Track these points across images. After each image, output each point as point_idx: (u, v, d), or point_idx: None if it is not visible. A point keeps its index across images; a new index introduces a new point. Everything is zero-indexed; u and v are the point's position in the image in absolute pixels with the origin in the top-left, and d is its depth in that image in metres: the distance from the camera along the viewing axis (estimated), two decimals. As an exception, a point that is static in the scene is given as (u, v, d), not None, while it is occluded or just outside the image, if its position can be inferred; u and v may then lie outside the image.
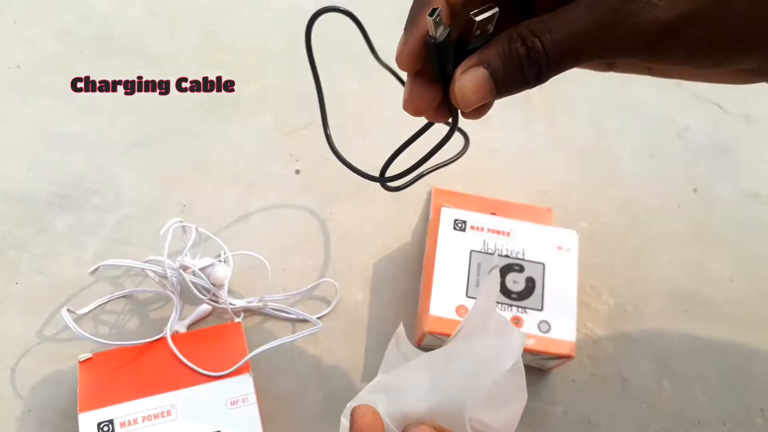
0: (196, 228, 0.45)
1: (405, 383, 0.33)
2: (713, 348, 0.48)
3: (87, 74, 0.55)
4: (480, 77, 0.27)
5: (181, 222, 0.44)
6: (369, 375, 0.44)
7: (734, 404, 0.46)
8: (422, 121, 0.33)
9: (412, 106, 0.30)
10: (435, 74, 0.29)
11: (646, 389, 0.46)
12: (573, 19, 0.25)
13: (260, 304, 0.46)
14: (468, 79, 0.27)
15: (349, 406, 0.33)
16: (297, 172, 0.52)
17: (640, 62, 0.28)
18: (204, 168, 0.52)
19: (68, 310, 0.42)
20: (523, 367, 0.32)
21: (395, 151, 0.34)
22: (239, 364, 0.40)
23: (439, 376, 0.33)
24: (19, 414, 0.42)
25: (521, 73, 0.26)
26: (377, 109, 0.56)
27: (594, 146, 0.56)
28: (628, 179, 0.54)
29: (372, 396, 0.33)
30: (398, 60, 0.29)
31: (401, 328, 0.36)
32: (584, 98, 0.57)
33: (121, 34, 0.57)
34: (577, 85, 0.58)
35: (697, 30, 0.25)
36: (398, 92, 0.57)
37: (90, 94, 0.54)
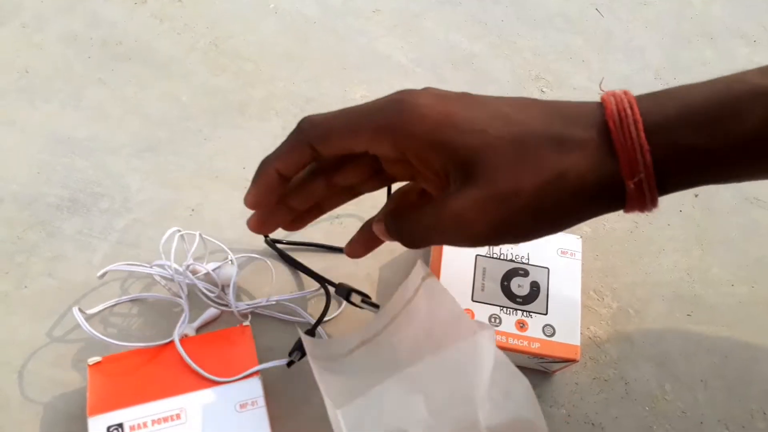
0: (200, 234, 0.45)
1: (400, 415, 0.32)
2: (715, 351, 0.49)
3: (95, 79, 0.55)
4: (379, 227, 0.36)
5: (179, 231, 0.44)
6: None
7: (736, 407, 0.47)
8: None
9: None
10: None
11: (648, 392, 0.47)
12: (427, 218, 0.32)
13: (268, 305, 0.46)
14: (375, 225, 0.37)
15: None
16: (303, 177, 0.53)
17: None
18: (212, 173, 0.52)
19: (79, 309, 0.42)
20: (503, 354, 0.33)
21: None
22: (248, 371, 0.40)
23: (432, 399, 0.32)
24: (27, 418, 0.42)
25: (396, 236, 0.35)
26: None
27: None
28: (631, 184, 0.55)
29: None
30: (245, 203, 0.36)
31: (306, 338, 0.38)
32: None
33: (128, 40, 0.58)
34: (578, 91, 0.59)
35: (517, 229, 0.31)
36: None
37: (98, 99, 0.54)
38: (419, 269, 0.39)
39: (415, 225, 0.33)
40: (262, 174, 0.34)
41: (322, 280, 0.45)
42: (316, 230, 0.50)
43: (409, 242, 0.34)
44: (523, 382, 0.32)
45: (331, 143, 0.32)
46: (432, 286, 0.38)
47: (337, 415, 0.32)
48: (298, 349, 0.42)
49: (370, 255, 0.49)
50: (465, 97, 0.31)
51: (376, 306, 0.42)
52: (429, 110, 0.30)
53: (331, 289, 0.45)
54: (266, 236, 0.47)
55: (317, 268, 0.46)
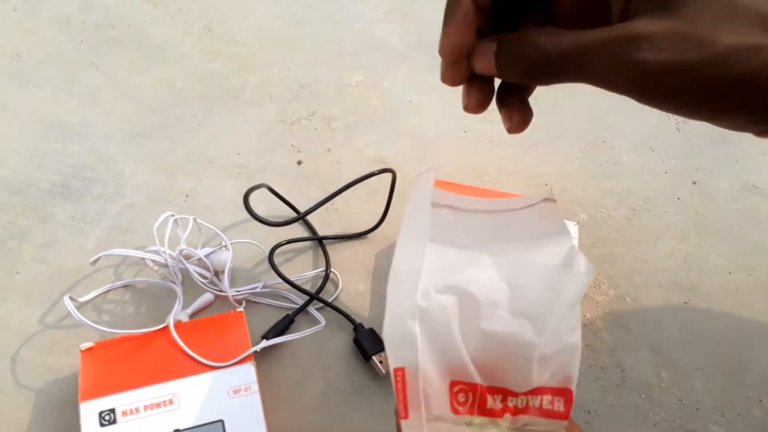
0: (194, 219, 0.45)
1: (478, 288, 0.30)
2: (712, 339, 0.48)
3: (88, 64, 0.55)
4: (488, 48, 0.31)
5: (173, 215, 0.44)
6: (369, 364, 0.44)
7: (732, 395, 0.47)
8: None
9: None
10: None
11: (644, 380, 0.47)
12: (584, 36, 0.28)
13: (263, 291, 0.46)
14: (480, 46, 0.31)
15: (409, 306, 0.28)
16: (299, 162, 0.52)
17: (638, 100, 0.30)
18: (206, 158, 0.52)
19: (70, 297, 0.42)
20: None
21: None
22: (243, 356, 0.40)
23: (513, 297, 0.31)
24: (20, 404, 0.42)
25: (517, 62, 0.30)
26: (379, 100, 0.56)
27: (594, 139, 0.56)
28: (628, 172, 0.55)
29: (444, 298, 0.29)
30: (441, 52, 0.32)
31: (426, 176, 0.33)
32: (585, 91, 0.57)
33: (122, 24, 0.57)
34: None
35: (692, 80, 0.28)
36: (401, 84, 0.58)
37: (91, 84, 0.54)
38: (545, 192, 0.37)
39: (559, 41, 0.28)
40: (454, 5, 0.31)
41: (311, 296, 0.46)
42: (314, 219, 0.50)
43: (528, 65, 0.30)
44: (579, 341, 0.32)
45: None
46: (550, 209, 0.36)
47: (422, 247, 0.31)
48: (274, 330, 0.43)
49: (364, 243, 0.49)
50: None
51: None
52: None
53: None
54: (271, 258, 0.45)
55: (314, 256, 0.46)
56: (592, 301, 0.49)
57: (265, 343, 0.42)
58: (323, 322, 0.44)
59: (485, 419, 0.30)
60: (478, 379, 0.30)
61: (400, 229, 0.50)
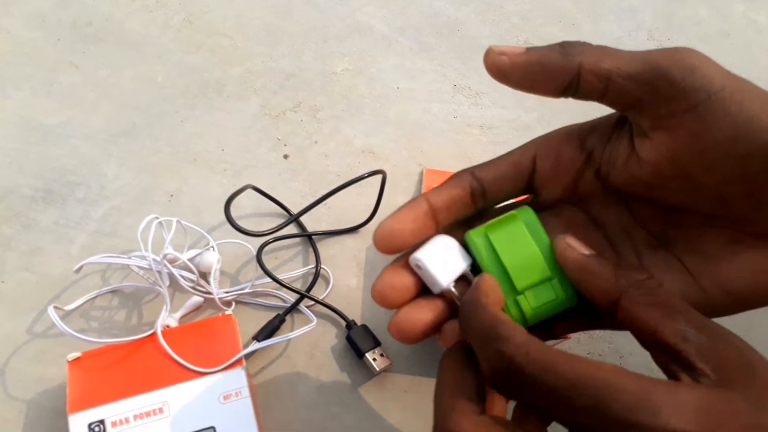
0: (178, 221, 0.44)
1: None
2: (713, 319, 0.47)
3: (67, 63, 0.53)
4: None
5: (157, 218, 0.43)
6: (363, 361, 0.43)
7: (734, 377, 0.46)
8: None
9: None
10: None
11: (644, 365, 0.45)
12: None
13: (251, 291, 0.45)
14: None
15: None
16: (285, 156, 0.51)
17: None
18: (190, 156, 0.50)
19: (55, 307, 0.41)
20: None
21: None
22: (232, 360, 0.39)
23: None
24: (11, 415, 0.41)
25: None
26: (365, 88, 0.54)
27: (589, 119, 0.54)
28: (624, 152, 0.53)
29: None
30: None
31: None
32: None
33: (99, 19, 0.56)
34: (569, 56, 0.57)
35: None
36: (388, 70, 0.56)
37: (70, 83, 0.53)
38: None
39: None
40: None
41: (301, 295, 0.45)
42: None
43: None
44: None
45: None
46: None
47: None
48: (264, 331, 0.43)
49: (355, 237, 0.48)
50: None
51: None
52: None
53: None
54: (259, 257, 0.44)
55: (304, 253, 0.45)
56: (589, 288, 0.48)
57: (255, 346, 0.42)
58: (315, 320, 0.43)
59: None
60: None
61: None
